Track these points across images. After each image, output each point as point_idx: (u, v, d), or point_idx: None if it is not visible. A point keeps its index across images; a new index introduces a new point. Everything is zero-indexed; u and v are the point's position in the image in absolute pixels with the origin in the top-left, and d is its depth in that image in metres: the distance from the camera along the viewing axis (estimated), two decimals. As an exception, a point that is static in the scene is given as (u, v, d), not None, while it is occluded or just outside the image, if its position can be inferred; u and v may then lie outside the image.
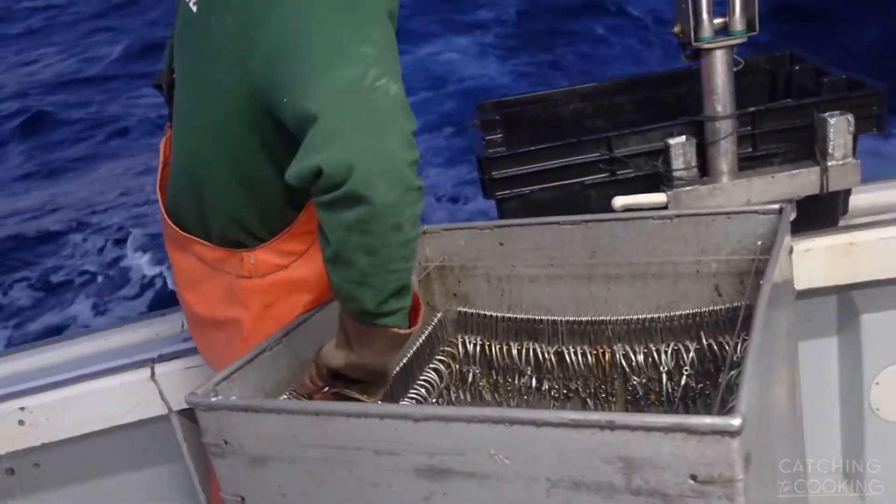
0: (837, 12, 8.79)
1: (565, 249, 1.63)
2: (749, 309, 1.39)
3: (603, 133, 1.97)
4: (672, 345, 1.58)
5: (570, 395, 1.69)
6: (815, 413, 1.94)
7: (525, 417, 0.98)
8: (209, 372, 1.63)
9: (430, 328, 1.71)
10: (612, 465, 0.95)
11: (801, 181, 1.92)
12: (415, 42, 11.30)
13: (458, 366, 1.75)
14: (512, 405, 1.73)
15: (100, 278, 6.87)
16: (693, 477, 0.92)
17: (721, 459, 0.90)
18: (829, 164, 1.88)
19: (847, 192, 2.04)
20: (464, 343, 1.75)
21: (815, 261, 1.99)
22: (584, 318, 1.65)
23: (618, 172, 1.96)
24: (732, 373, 1.28)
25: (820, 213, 2.01)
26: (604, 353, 1.63)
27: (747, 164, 1.97)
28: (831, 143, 1.86)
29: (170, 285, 5.79)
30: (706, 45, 1.85)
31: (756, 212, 1.49)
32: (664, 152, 1.92)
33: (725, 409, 1.18)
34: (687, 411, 1.59)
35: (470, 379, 1.75)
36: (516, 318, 1.71)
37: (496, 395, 1.75)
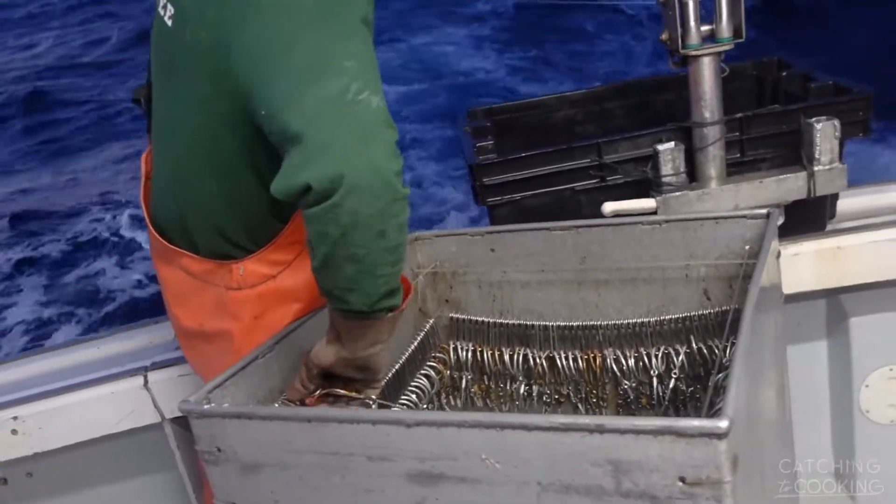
0: (828, 11, 8.89)
1: (556, 255, 1.64)
2: (737, 313, 1.41)
3: (593, 139, 1.98)
4: (662, 349, 1.59)
5: (562, 399, 1.70)
6: (805, 416, 1.95)
7: (515, 422, 0.99)
8: (202, 381, 1.63)
9: (421, 334, 1.72)
10: (601, 468, 0.96)
11: (789, 186, 1.94)
12: (412, 32, 11.42)
13: (449, 372, 1.76)
14: (503, 410, 1.74)
15: (121, 241, 7.47)
16: (681, 479, 0.93)
17: (709, 461, 0.91)
18: (816, 168, 1.90)
19: (834, 197, 2.06)
20: (455, 349, 1.76)
21: (803, 265, 2.01)
22: (575, 323, 1.66)
23: (608, 178, 1.98)
24: (719, 375, 1.29)
25: (808, 218, 2.03)
26: (595, 358, 1.64)
27: (735, 169, 1.99)
28: (818, 148, 1.88)
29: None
30: (693, 53, 1.87)
31: (744, 216, 1.50)
32: (653, 158, 1.93)
33: (713, 411, 1.19)
34: (677, 414, 1.60)
35: (461, 385, 1.76)
36: (508, 323, 1.72)
37: (488, 401, 1.76)
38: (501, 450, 1.00)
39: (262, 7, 1.18)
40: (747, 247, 1.50)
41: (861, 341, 2.08)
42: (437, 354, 1.75)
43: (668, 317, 1.58)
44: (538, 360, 1.69)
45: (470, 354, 1.75)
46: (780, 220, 1.78)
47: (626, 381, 1.63)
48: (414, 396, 1.61)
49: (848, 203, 2.16)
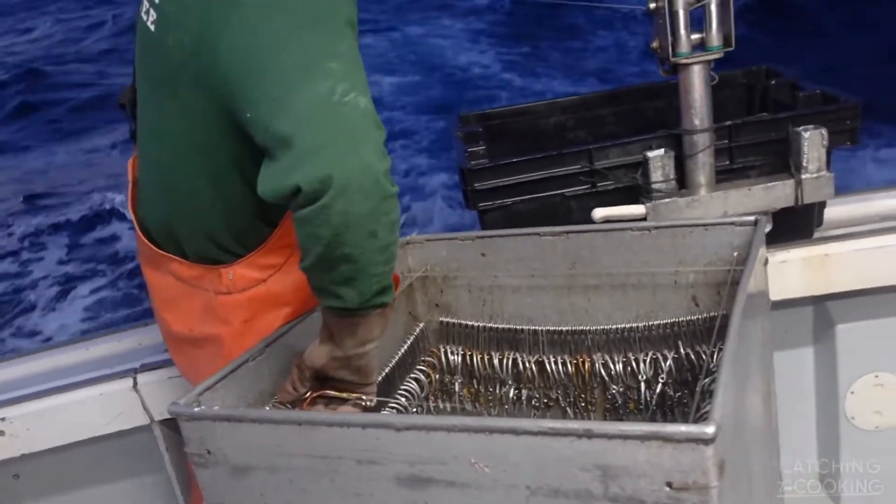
0: (820, 10, 8.99)
1: (546, 260, 1.65)
2: (725, 319, 1.42)
3: (584, 146, 2.00)
4: (650, 354, 1.61)
5: (551, 404, 1.71)
6: (791, 422, 1.97)
7: (504, 426, 1.00)
8: (190, 385, 1.63)
9: (411, 338, 1.73)
10: (589, 472, 0.97)
11: (777, 194, 1.95)
12: (409, 24, 11.47)
13: (439, 375, 1.76)
14: (493, 414, 1.74)
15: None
16: (669, 484, 0.94)
17: (696, 467, 0.92)
18: (804, 176, 1.92)
19: (822, 205, 2.08)
20: (445, 353, 1.77)
21: (790, 272, 2.02)
22: (565, 328, 1.67)
23: (598, 184, 1.99)
24: (706, 381, 1.30)
25: (795, 225, 2.05)
26: (584, 363, 1.65)
27: (724, 176, 2.00)
28: (805, 156, 1.90)
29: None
30: (684, 61, 1.89)
31: (732, 223, 1.52)
32: (643, 165, 1.95)
33: (700, 416, 1.20)
34: (665, 419, 1.61)
35: (451, 389, 1.76)
36: (498, 328, 1.73)
37: (477, 405, 1.77)
38: (490, 454, 1.01)
39: (245, 11, 1.18)
40: (735, 253, 1.51)
41: (847, 348, 2.10)
42: (427, 358, 1.76)
43: (656, 322, 1.60)
44: (527, 365, 1.70)
45: (460, 358, 1.76)
46: (768, 228, 1.80)
47: (615, 386, 1.64)
48: (403, 400, 1.62)
49: (835, 211, 2.18)
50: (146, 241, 1.52)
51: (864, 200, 2.27)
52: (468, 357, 1.75)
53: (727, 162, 2.01)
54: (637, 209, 1.94)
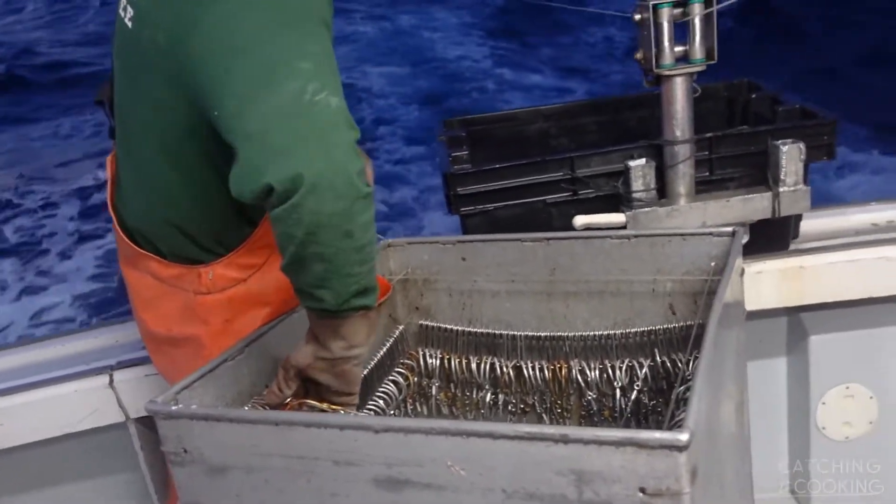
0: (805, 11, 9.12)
1: (527, 266, 1.66)
2: (701, 328, 1.43)
3: (566, 153, 2.01)
4: (627, 361, 1.62)
5: (527, 409, 1.72)
6: (763, 431, 1.99)
7: (482, 430, 1.00)
8: (168, 385, 1.62)
9: (391, 340, 1.73)
10: (564, 477, 0.98)
11: (754, 206, 1.98)
12: (400, 14, 11.46)
13: (416, 378, 1.77)
14: (469, 418, 1.75)
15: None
16: (642, 490, 0.95)
17: (669, 473, 0.93)
18: (781, 189, 1.95)
19: (798, 217, 2.11)
20: (424, 356, 1.77)
21: (766, 283, 2.05)
22: (543, 334, 1.68)
23: (579, 192, 2.01)
24: (681, 389, 1.32)
25: (771, 237, 2.08)
26: (560, 369, 1.66)
27: (704, 187, 2.03)
28: (783, 169, 1.93)
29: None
30: (667, 72, 1.91)
31: (710, 234, 1.54)
32: (624, 174, 1.97)
33: (674, 423, 1.22)
34: (639, 427, 1.62)
35: (428, 392, 1.77)
36: (477, 332, 1.73)
37: (454, 409, 1.77)
38: (467, 457, 1.01)
39: (218, 8, 1.17)
40: (713, 263, 1.53)
41: (819, 359, 2.13)
42: (406, 361, 1.76)
43: (633, 330, 1.61)
44: (505, 370, 1.71)
45: (438, 362, 1.76)
46: (745, 239, 1.82)
47: (591, 393, 1.65)
48: (381, 402, 1.62)
49: (811, 224, 2.22)
50: (126, 238, 1.51)
51: (840, 214, 2.31)
52: (446, 361, 1.76)
53: (707, 173, 2.03)
54: (617, 217, 1.96)
